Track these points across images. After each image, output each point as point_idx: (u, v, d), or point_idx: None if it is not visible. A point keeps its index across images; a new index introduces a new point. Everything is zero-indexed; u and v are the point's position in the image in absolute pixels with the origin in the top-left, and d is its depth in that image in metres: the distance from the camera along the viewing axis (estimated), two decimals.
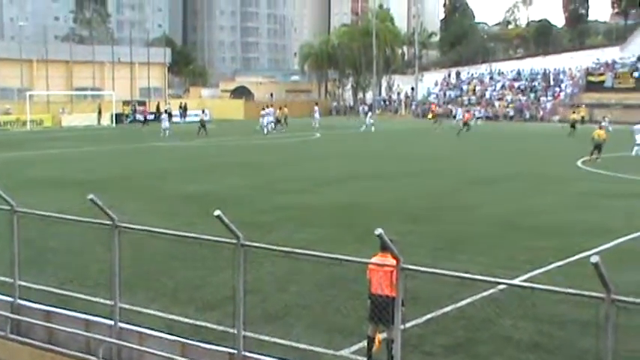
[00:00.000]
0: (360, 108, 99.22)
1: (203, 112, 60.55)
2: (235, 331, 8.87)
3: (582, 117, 65.05)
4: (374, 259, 9.07)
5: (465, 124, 60.12)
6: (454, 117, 74.60)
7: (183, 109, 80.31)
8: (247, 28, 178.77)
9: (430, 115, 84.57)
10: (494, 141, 52.90)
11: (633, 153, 39.96)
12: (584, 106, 73.69)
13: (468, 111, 70.63)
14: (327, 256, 8.91)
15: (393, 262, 7.90)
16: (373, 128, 62.34)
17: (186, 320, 11.33)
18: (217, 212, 8.31)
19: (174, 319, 11.40)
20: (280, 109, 66.81)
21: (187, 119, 76.89)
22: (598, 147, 36.77)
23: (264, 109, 61.86)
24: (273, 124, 60.63)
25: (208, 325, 11.08)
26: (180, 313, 11.69)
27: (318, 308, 12.13)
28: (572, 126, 56.63)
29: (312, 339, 10.46)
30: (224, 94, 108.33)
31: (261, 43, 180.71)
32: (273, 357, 9.13)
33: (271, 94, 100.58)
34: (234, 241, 8.57)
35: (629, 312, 6.68)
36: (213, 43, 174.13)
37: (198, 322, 11.22)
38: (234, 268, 8.72)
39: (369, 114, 69.59)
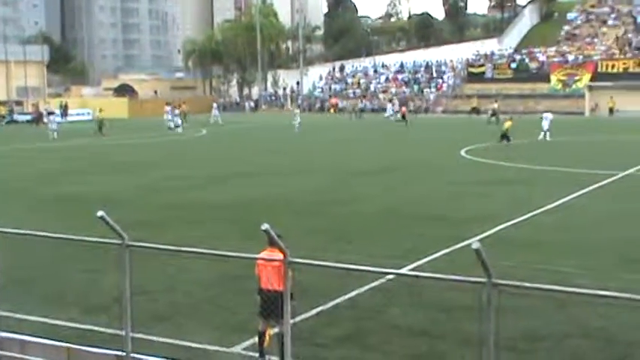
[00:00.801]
0: (246, 103, 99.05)
1: (100, 110, 58.52)
2: (123, 333, 8.70)
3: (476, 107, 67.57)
4: (262, 255, 9.05)
5: (403, 117, 60.76)
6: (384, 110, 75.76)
7: (64, 109, 78.03)
8: (128, 25, 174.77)
9: (332, 110, 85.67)
10: (391, 134, 53.77)
11: (539, 138, 43.67)
12: (476, 97, 76.18)
13: (403, 105, 72.34)
14: (215, 253, 8.87)
15: (281, 256, 7.91)
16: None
17: (72, 324, 11.03)
18: (100, 213, 8.17)
19: (60, 324, 11.07)
20: (179, 106, 65.82)
21: (69, 119, 74.82)
22: (503, 136, 39.45)
23: (174, 108, 60.87)
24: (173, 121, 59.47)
25: (95, 328, 10.81)
26: (65, 317, 11.36)
27: (207, 306, 12.04)
28: (494, 115, 58.99)
29: (202, 337, 10.37)
30: (107, 92, 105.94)
31: (143, 39, 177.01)
32: (163, 357, 9.02)
33: (155, 92, 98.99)
34: (119, 241, 8.40)
35: (510, 295, 6.90)
36: (94, 40, 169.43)
37: (84, 326, 10.93)
38: (120, 270, 8.55)
39: (297, 112, 60.54)
